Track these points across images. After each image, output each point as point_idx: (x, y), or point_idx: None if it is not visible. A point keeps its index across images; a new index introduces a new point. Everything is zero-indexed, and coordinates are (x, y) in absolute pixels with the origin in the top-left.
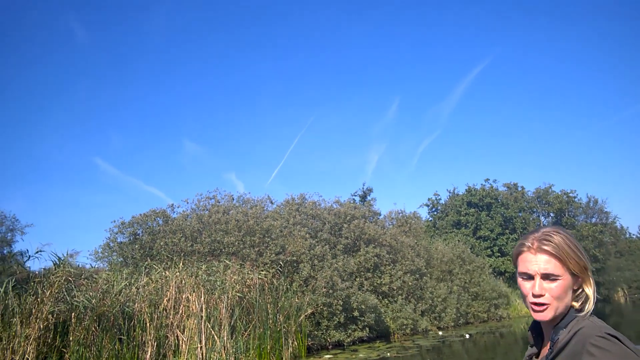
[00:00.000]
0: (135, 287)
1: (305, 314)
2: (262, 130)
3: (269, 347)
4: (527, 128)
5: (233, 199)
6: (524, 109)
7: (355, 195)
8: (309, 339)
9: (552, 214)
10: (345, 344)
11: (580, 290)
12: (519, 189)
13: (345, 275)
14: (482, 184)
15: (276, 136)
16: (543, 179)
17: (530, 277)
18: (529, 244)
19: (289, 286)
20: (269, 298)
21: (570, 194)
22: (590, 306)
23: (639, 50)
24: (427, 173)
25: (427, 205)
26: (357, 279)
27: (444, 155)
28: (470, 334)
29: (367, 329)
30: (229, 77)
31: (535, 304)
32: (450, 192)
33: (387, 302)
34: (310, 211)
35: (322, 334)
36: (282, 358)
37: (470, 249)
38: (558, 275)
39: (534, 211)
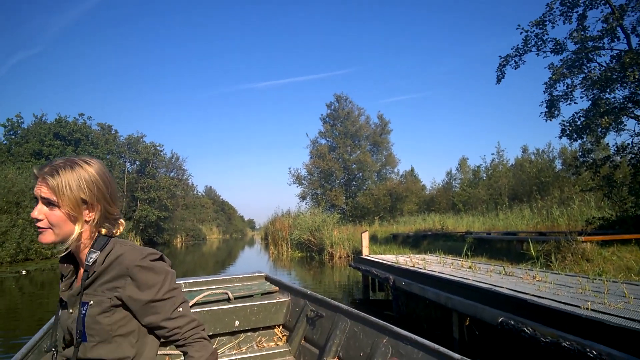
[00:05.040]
0: None
1: None
2: None
3: None
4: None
5: None
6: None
7: None
8: None
9: (137, 162)
10: None
11: (109, 217)
12: (112, 132)
13: None
14: (75, 118)
15: None
16: (138, 127)
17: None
18: (37, 172)
19: None
20: None
21: (158, 147)
22: (91, 228)
23: None
24: (20, 88)
25: (5, 127)
26: None
27: (39, 75)
28: (28, 270)
29: None
30: None
31: (37, 227)
32: (36, 118)
33: None
34: None
35: None
36: None
37: None
38: (56, 205)
39: (122, 156)
